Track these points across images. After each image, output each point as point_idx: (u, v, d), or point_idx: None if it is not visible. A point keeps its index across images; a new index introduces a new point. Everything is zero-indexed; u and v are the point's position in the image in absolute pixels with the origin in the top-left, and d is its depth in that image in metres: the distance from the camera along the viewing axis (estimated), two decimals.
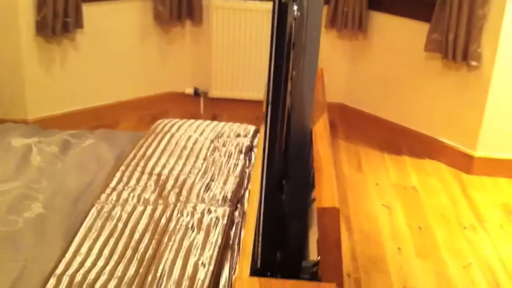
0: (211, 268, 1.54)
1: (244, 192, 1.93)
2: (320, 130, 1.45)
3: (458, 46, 3.22)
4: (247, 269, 1.34)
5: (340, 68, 3.89)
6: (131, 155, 2.11)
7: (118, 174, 1.99)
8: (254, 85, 3.87)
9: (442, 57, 3.34)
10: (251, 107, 3.97)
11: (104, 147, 2.23)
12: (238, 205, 1.86)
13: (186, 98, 4.02)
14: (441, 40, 3.29)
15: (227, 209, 1.81)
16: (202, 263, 1.55)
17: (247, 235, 1.45)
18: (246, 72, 3.85)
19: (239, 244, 1.70)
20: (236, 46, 3.79)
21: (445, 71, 3.39)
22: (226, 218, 1.76)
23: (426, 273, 2.58)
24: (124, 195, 1.88)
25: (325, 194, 1.24)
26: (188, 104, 4.03)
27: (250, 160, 2.14)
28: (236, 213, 1.82)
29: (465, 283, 2.53)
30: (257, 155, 1.82)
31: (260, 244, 1.25)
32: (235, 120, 3.85)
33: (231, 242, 1.69)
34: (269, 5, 3.69)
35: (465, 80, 3.32)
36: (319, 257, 1.31)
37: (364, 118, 3.87)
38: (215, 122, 2.43)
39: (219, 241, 1.65)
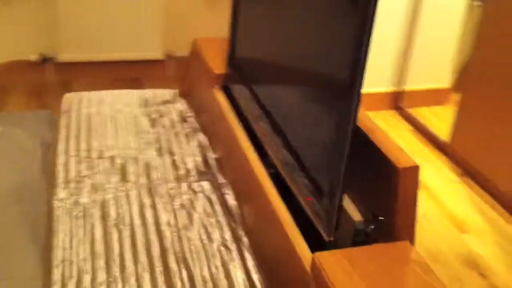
0: (235, 248, 1.44)
1: (208, 161, 1.82)
2: None
3: None
4: (304, 246, 1.28)
5: (197, 17, 3.77)
6: (61, 140, 1.85)
7: (60, 164, 1.74)
8: (109, 44, 3.60)
9: None
10: (106, 69, 3.70)
11: (19, 134, 1.92)
12: (210, 176, 1.75)
13: (32, 66, 3.60)
14: None
15: (208, 183, 1.69)
16: (225, 246, 1.44)
17: (281, 210, 1.38)
18: (99, 30, 3.54)
19: (229, 214, 1.60)
20: (86, 1, 3.46)
21: None
22: (214, 193, 1.64)
23: None
24: (84, 186, 1.65)
25: (398, 154, 1.21)
26: (35, 72, 3.62)
27: (191, 125, 2.00)
28: (214, 184, 1.71)
29: None
30: (231, 119, 1.71)
31: (334, 216, 1.19)
32: (92, 84, 3.57)
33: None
34: None
35: None
36: (379, 218, 1.30)
37: None
38: (128, 90, 2.23)
39: (225, 218, 1.54)
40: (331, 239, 1.22)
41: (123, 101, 2.12)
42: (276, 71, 1.52)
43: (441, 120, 3.17)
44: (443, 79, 3.40)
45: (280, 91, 1.49)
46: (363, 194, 1.34)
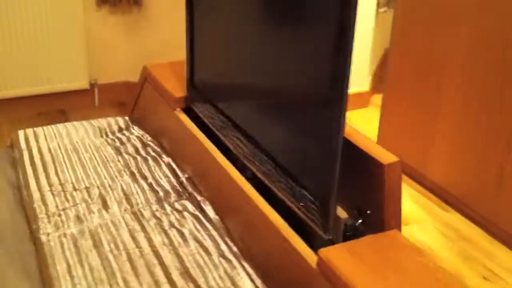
0: (234, 258, 1.54)
1: (182, 181, 1.89)
2: None
3: None
4: (304, 246, 1.39)
5: (118, 45, 3.80)
6: (30, 176, 1.87)
7: (37, 199, 1.76)
8: (32, 78, 3.56)
9: None
10: (31, 104, 3.65)
11: None
12: (187, 194, 1.83)
13: None
14: None
15: (188, 202, 1.77)
16: (224, 257, 1.53)
17: (275, 217, 1.48)
18: (20, 65, 3.50)
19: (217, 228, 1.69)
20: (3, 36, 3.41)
21: None
22: (196, 210, 1.73)
23: None
24: (68, 218, 1.68)
25: (380, 152, 1.36)
26: None
27: (154, 150, 2.07)
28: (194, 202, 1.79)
29: None
30: (201, 138, 1.80)
31: (331, 215, 1.32)
32: (17, 121, 3.51)
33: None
34: None
35: None
36: (368, 212, 1.44)
37: None
38: (80, 122, 2.26)
39: (216, 232, 1.63)
40: (330, 237, 1.35)
41: (79, 133, 2.15)
42: (250, 88, 1.63)
43: (366, 122, 3.40)
44: (363, 83, 3.64)
45: (255, 106, 1.61)
46: (346, 192, 1.47)
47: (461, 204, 2.70)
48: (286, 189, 1.48)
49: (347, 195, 1.47)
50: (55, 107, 3.72)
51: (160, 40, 3.76)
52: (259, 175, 1.59)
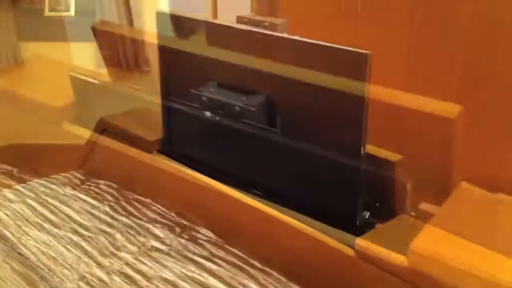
0: (269, 269, 1.71)
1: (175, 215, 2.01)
2: None
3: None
4: (333, 240, 1.63)
5: None
6: (22, 236, 1.87)
7: (41, 258, 1.78)
8: None
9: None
10: None
11: None
12: (187, 226, 1.95)
13: None
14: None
15: (193, 231, 1.91)
16: (263, 271, 1.70)
17: (290, 219, 1.69)
18: None
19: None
20: None
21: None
22: (204, 235, 1.87)
23: None
24: (87, 264, 1.74)
25: (384, 153, 1.65)
26: None
27: (129, 194, 2.16)
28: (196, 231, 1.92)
29: None
30: (191, 172, 1.95)
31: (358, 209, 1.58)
32: None
33: None
34: None
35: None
36: (376, 205, 1.72)
37: (43, 150, 3.79)
38: (35, 181, 2.26)
39: (236, 249, 1.79)
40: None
41: (45, 190, 2.16)
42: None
43: None
44: None
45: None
46: None
47: None
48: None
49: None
50: None
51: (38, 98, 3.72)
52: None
